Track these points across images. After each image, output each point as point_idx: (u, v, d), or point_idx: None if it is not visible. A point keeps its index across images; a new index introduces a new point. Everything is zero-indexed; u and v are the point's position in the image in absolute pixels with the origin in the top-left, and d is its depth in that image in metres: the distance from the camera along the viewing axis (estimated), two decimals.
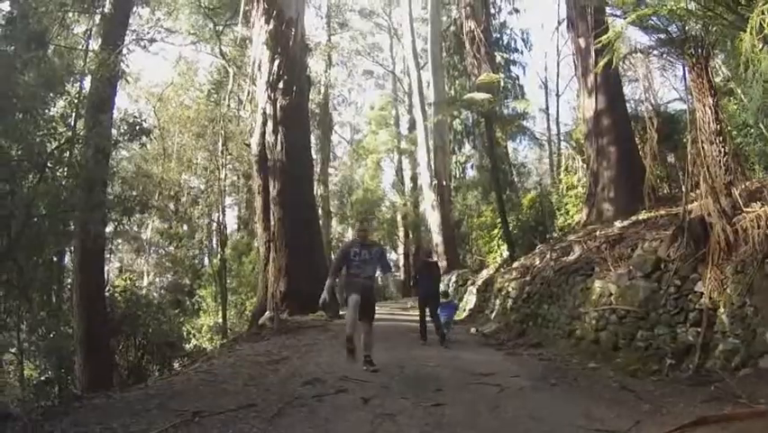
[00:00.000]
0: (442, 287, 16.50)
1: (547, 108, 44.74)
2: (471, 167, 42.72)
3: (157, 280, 40.38)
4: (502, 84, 33.51)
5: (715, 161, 9.74)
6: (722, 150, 9.81)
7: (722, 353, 8.13)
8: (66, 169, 12.49)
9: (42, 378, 17.72)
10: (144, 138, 14.65)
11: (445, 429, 6.31)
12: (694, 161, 10.06)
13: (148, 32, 31.49)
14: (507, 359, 11.47)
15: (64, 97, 13.66)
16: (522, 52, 43.11)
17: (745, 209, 9.11)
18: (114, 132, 14.32)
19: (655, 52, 11.65)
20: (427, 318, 14.60)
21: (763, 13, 6.63)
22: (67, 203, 11.75)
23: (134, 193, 17.24)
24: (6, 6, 12.73)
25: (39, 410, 10.86)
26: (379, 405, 7.40)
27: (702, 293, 8.76)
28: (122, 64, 16.71)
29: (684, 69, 10.86)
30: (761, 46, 6.93)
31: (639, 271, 10.39)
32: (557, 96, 45.82)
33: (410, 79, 42.11)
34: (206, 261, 41.73)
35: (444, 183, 33.80)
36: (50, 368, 16.69)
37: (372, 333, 10.83)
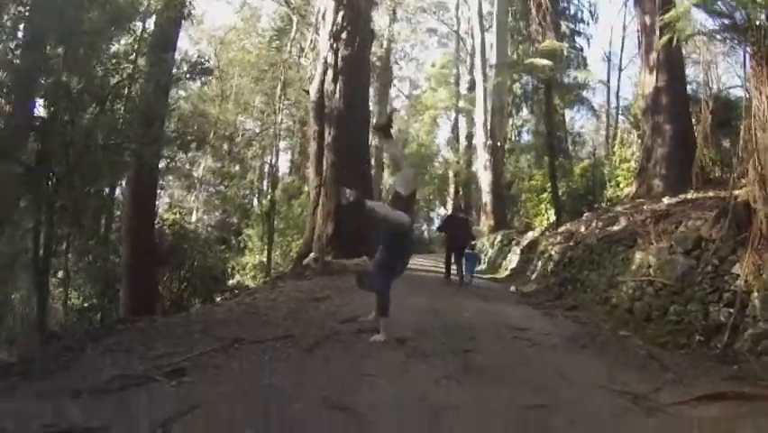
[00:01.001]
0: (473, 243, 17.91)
1: (608, 81, 44.40)
2: (527, 131, 42.61)
3: (205, 217, 41.08)
4: (565, 53, 33.29)
5: (765, 149, 9.78)
6: None
7: (751, 336, 8.27)
8: (126, 102, 12.92)
9: (86, 304, 18.32)
10: (205, 77, 15.11)
11: (473, 374, 6.66)
12: (745, 147, 10.11)
13: None
14: (541, 318, 11.74)
15: (127, 36, 14.07)
16: (588, 24, 42.54)
17: None
18: (175, 71, 14.71)
19: (718, 37, 11.66)
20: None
21: None
22: (124, 135, 12.15)
23: (184, 129, 17.49)
24: None
25: (82, 332, 11.46)
26: (414, 346, 7.77)
27: (738, 275, 8.86)
28: (188, 5, 16.92)
29: (745, 57, 10.81)
30: None
31: (680, 247, 10.54)
32: (619, 70, 45.54)
33: (474, 40, 41.71)
34: (255, 201, 42.39)
35: (499, 144, 33.82)
36: (95, 295, 17.19)
37: None
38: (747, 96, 11.59)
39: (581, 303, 13.42)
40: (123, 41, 13.95)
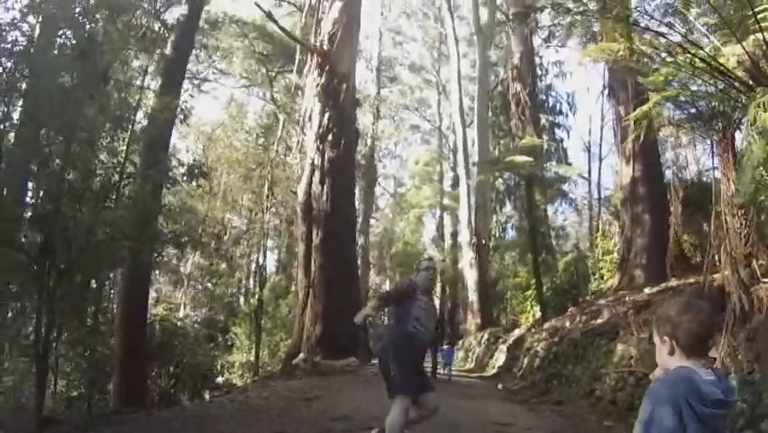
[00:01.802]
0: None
1: (589, 172, 45.16)
2: (511, 227, 43.10)
3: (192, 313, 41.03)
4: (545, 147, 34.02)
5: (736, 234, 10.11)
6: (743, 222, 10.21)
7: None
8: (123, 200, 13.42)
9: (75, 393, 18.37)
10: (201, 180, 15.73)
11: None
12: (716, 233, 10.48)
13: (202, 72, 32.81)
14: (527, 413, 11.92)
15: (123, 134, 14.68)
16: (567, 115, 43.61)
17: (763, 280, 9.51)
18: (171, 172, 15.27)
19: (687, 126, 12.14)
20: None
21: (759, 106, 7.15)
22: (123, 232, 12.58)
23: (177, 227, 17.94)
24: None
25: (77, 419, 11.61)
26: None
27: (715, 358, 9.16)
28: (183, 107, 17.63)
29: (713, 144, 11.26)
30: (755, 136, 7.43)
31: None
32: (600, 160, 46.06)
33: (455, 137, 42.38)
34: (242, 300, 42.59)
35: (483, 242, 34.04)
36: (84, 384, 17.23)
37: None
38: (717, 180, 12.05)
39: (567, 397, 13.59)
40: (120, 140, 14.58)
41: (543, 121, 38.08)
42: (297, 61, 29.24)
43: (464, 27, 46.22)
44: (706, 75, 9.16)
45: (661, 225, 19.31)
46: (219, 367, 28.09)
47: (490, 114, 39.67)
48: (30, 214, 11.98)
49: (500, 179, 39.47)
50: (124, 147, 14.98)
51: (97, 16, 14.12)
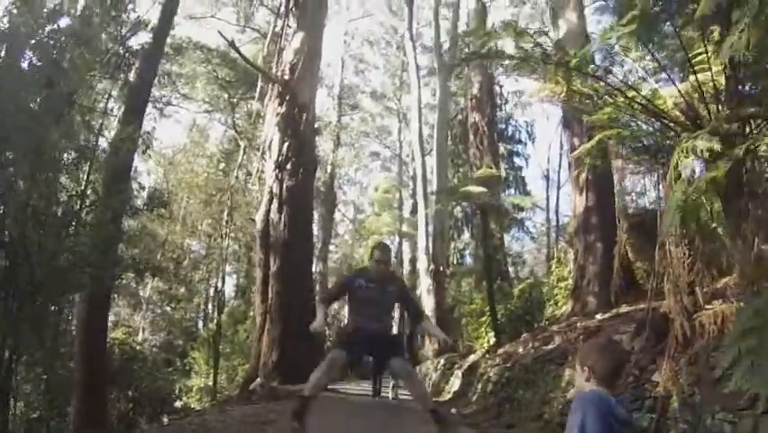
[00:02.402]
0: None
1: (547, 199, 45.74)
2: (469, 254, 43.49)
3: (151, 337, 40.97)
4: (504, 175, 34.55)
5: (679, 263, 10.48)
6: (686, 252, 10.61)
7: None
8: (88, 227, 13.66)
9: (34, 415, 18.36)
10: (160, 209, 16.00)
11: None
12: (661, 261, 10.87)
13: (165, 97, 33.01)
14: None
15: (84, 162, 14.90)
16: (526, 144, 44.66)
17: (706, 307, 9.88)
18: (132, 201, 15.58)
19: (634, 159, 12.57)
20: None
21: (682, 151, 7.56)
22: (85, 259, 12.83)
23: (137, 252, 18.20)
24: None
25: None
26: None
27: (658, 383, 9.53)
28: (144, 137, 17.90)
29: (658, 175, 11.70)
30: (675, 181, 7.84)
31: None
32: (558, 188, 46.52)
33: (415, 164, 42.89)
34: (201, 324, 42.60)
35: (441, 269, 34.27)
36: (43, 407, 17.25)
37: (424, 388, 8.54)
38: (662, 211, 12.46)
39: (518, 420, 13.89)
40: (82, 167, 14.79)
41: (501, 149, 38.91)
42: (258, 89, 29.67)
43: (426, 56, 46.94)
44: (644, 115, 9.59)
45: (612, 253, 19.82)
46: (177, 391, 28.20)
47: (450, 142, 40.26)
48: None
49: (458, 207, 39.88)
50: (85, 174, 15.18)
51: (63, 41, 14.39)
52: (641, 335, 10.78)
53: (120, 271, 15.88)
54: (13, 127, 11.90)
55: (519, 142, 43.96)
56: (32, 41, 13.74)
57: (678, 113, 9.12)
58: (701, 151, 7.11)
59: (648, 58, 9.62)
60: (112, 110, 22.67)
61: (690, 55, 8.38)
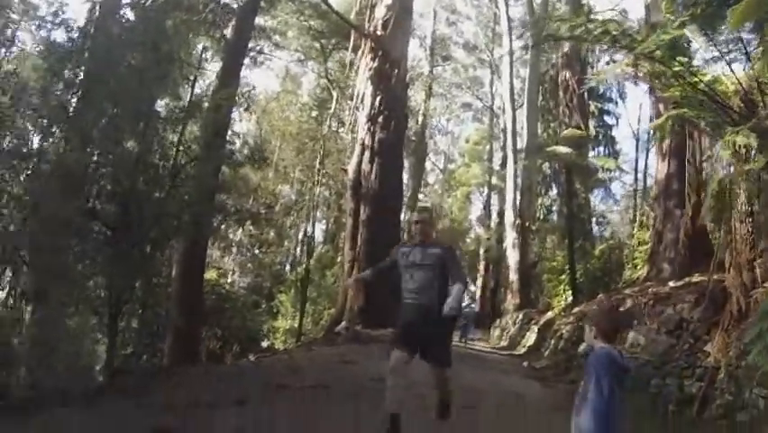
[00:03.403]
0: None
1: (636, 160, 45.31)
2: (555, 211, 43.47)
3: (239, 279, 42.23)
4: (593, 133, 34.54)
5: (743, 240, 11.05)
6: (750, 229, 11.12)
7: (717, 406, 9.61)
8: (191, 180, 14.90)
9: (126, 352, 19.73)
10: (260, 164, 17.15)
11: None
12: (725, 236, 11.44)
13: (257, 46, 33.84)
14: (542, 388, 13.21)
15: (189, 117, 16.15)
16: (616, 102, 43.50)
17: (764, 284, 10.44)
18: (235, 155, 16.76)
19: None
20: None
21: (725, 143, 8.18)
22: (189, 208, 14.14)
23: (232, 201, 19.25)
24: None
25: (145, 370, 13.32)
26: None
27: (710, 353, 10.23)
28: (245, 96, 18.93)
29: None
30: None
31: (664, 327, 11.96)
32: (647, 150, 45.93)
33: (505, 117, 43.03)
34: (289, 268, 43.86)
35: (527, 224, 34.55)
36: (137, 343, 18.27)
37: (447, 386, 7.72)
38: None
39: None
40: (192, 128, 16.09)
41: (592, 107, 38.45)
42: (351, 40, 30.29)
43: (519, 8, 46.61)
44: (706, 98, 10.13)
45: (691, 221, 20.09)
46: (265, 332, 29.48)
47: (540, 98, 39.98)
48: (108, 189, 13.41)
49: (547, 164, 39.87)
50: (188, 129, 16.39)
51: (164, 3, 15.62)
52: (700, 306, 11.40)
53: (220, 219, 17.18)
54: (121, 87, 13.18)
55: (610, 100, 43.22)
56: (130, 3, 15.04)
57: (739, 100, 9.67)
58: (740, 146, 7.74)
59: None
60: (208, 62, 23.93)
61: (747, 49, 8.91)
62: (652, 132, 21.99)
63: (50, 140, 14.46)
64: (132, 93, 13.43)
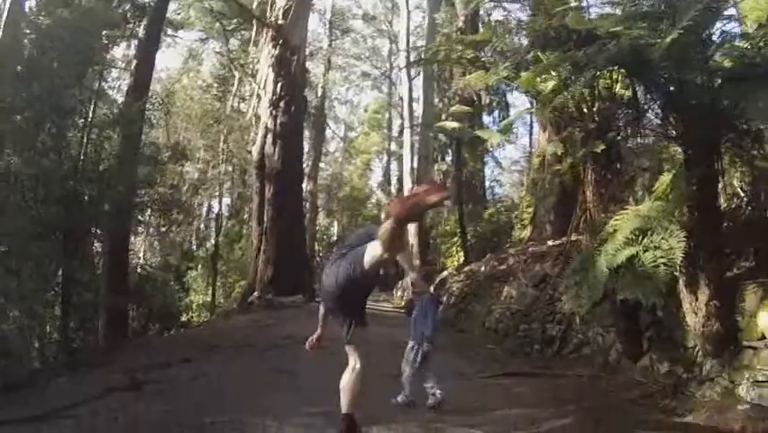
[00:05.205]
0: None
1: (531, 125, 47.48)
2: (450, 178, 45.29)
3: (150, 259, 43.12)
4: (486, 101, 36.28)
5: (594, 206, 13.00)
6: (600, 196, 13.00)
7: (573, 344, 11.84)
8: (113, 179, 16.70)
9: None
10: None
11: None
12: (581, 203, 13.44)
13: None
14: None
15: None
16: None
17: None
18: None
19: None
20: None
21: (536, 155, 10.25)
22: (117, 203, 16.18)
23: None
24: None
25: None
26: (330, 349, 11.42)
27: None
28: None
29: None
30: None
31: (531, 282, 14.22)
32: None
33: (402, 87, 44.73)
34: (196, 245, 45.10)
35: None
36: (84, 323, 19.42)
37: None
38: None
39: (468, 328, 16.99)
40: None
41: None
42: (254, 30, 31.69)
43: None
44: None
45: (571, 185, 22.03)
46: (182, 308, 31.03)
47: (437, 69, 41.42)
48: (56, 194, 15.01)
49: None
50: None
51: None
52: (558, 262, 13.63)
53: (140, 210, 19.07)
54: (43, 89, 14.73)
55: None
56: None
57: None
58: (552, 154, 9.74)
59: None
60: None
61: None
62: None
63: None
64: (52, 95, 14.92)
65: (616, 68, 8.70)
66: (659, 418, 7.19)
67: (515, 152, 51.80)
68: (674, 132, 8.22)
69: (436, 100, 40.84)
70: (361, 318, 6.08)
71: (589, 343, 11.21)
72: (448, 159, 44.37)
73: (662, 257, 7.13)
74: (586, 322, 11.40)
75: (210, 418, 7.27)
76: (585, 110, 10.03)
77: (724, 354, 7.37)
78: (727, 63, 7.15)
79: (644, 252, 7.39)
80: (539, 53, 9.95)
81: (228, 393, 8.99)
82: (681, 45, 6.76)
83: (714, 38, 7.84)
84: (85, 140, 16.28)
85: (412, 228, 34.54)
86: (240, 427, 7.06)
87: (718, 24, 7.78)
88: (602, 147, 9.54)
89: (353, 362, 5.99)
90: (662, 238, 7.32)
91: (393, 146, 56.05)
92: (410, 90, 38.93)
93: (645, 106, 8.92)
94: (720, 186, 8.57)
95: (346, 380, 5.95)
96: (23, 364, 12.87)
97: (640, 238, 7.61)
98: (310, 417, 7.45)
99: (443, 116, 31.27)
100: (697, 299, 7.54)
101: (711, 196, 7.77)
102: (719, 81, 7.38)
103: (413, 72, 40.19)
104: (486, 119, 39.73)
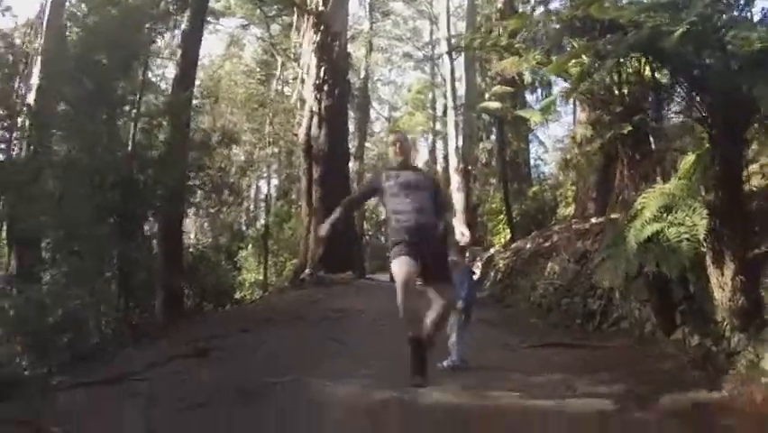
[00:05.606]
0: None
1: (575, 104, 47.33)
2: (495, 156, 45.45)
3: (201, 239, 43.89)
4: (529, 80, 36.43)
5: (630, 182, 13.36)
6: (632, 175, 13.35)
7: (613, 319, 12.32)
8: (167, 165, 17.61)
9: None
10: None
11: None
12: (619, 184, 13.86)
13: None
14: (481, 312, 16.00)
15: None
16: None
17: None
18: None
19: None
20: None
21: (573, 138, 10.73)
22: (169, 188, 17.14)
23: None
24: None
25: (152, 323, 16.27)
26: (380, 321, 12.18)
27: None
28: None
29: None
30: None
31: (572, 258, 14.71)
32: None
33: (444, 67, 44.27)
34: (245, 226, 45.98)
35: (469, 168, 36.49)
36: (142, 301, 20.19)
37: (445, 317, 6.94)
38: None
39: (514, 302, 17.55)
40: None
41: None
42: (295, 17, 32.41)
43: None
44: None
45: (609, 164, 22.27)
46: (235, 285, 31.86)
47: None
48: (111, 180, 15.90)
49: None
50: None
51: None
52: (599, 239, 14.07)
53: (192, 193, 19.95)
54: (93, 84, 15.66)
55: None
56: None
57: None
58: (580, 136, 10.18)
59: None
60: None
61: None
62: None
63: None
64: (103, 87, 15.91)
65: (639, 54, 9.13)
66: (688, 388, 7.51)
67: (560, 131, 51.63)
68: (699, 113, 8.62)
69: (478, 80, 40.89)
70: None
71: (627, 317, 11.66)
72: (492, 138, 44.69)
73: (685, 233, 7.68)
74: (624, 297, 11.83)
75: (273, 378, 8.06)
76: (615, 93, 10.50)
77: (749, 329, 7.74)
78: (746, 48, 7.46)
79: (669, 227, 7.94)
80: (570, 39, 10.42)
81: (286, 359, 9.89)
82: (694, 34, 7.13)
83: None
84: (134, 129, 17.58)
85: (458, 205, 35.25)
86: (300, 386, 7.82)
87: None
88: (629, 129, 10.04)
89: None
90: (686, 215, 7.86)
91: (438, 126, 56.02)
92: (452, 71, 38.88)
93: (671, 90, 9.32)
94: (755, 166, 9.05)
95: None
96: (88, 339, 13.80)
97: (665, 215, 8.15)
98: (363, 378, 8.27)
99: (486, 96, 31.44)
100: (723, 275, 7.93)
101: (735, 176, 8.16)
102: (737, 66, 7.70)
103: (454, 53, 40.37)
104: (529, 98, 39.45)
